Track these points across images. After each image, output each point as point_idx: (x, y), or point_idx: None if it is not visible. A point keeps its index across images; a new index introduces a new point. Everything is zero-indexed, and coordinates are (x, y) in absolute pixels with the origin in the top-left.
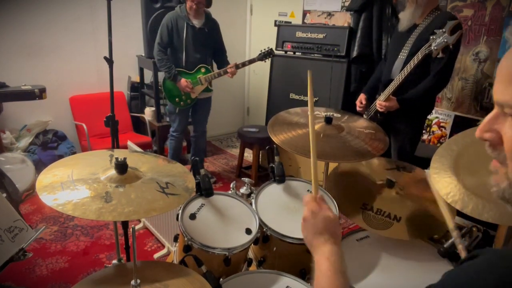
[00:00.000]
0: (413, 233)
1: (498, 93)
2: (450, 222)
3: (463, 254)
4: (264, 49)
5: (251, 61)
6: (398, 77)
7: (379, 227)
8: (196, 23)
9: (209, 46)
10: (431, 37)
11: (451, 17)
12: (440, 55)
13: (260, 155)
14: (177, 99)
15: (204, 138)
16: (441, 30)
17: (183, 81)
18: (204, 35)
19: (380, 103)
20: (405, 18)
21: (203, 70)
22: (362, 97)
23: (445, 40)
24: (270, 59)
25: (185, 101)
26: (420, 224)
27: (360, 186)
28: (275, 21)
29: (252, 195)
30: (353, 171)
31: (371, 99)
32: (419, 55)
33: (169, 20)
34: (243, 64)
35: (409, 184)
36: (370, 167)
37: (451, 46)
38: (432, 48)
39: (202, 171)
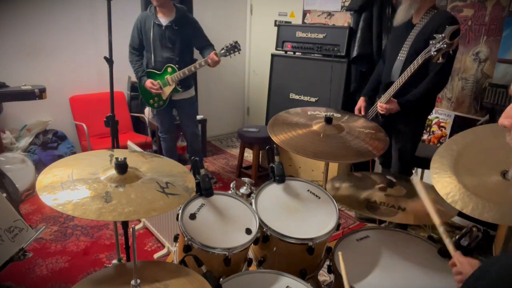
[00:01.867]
0: (418, 219)
1: None
2: (436, 219)
3: (450, 247)
4: (229, 44)
5: (216, 55)
6: (399, 80)
7: (385, 215)
8: (163, 21)
9: (179, 44)
10: (431, 42)
11: (449, 17)
12: (440, 60)
13: (260, 155)
14: (151, 100)
15: (197, 141)
16: (440, 36)
17: (148, 82)
18: (173, 33)
19: (381, 105)
20: (400, 12)
21: (169, 70)
22: (361, 104)
23: (445, 45)
24: (238, 52)
25: (158, 103)
26: (422, 212)
27: (361, 189)
28: (275, 21)
29: (252, 195)
30: (354, 177)
31: (371, 101)
32: (419, 60)
33: (138, 21)
34: (217, 55)
35: (409, 185)
36: (369, 177)
37: (451, 52)
38: (432, 53)
39: (202, 171)
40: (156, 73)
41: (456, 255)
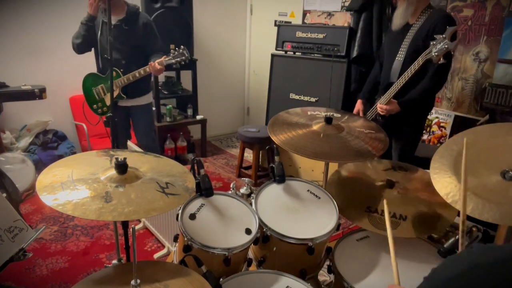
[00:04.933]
0: (420, 230)
1: None
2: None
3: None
4: (176, 50)
5: (159, 64)
6: (399, 81)
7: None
8: (113, 19)
9: (128, 45)
10: (431, 43)
11: (445, 15)
12: (442, 61)
13: (260, 155)
14: (94, 105)
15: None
16: (441, 36)
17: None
18: (122, 33)
19: (381, 106)
20: (397, 16)
21: (114, 74)
22: (359, 107)
23: (446, 46)
24: (184, 62)
25: (102, 109)
26: (425, 221)
27: (361, 189)
28: (275, 21)
29: (252, 195)
30: (352, 174)
31: (369, 102)
32: (419, 61)
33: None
34: (160, 63)
35: (408, 183)
36: (368, 169)
37: (452, 52)
38: (433, 54)
39: (202, 171)
40: (100, 76)
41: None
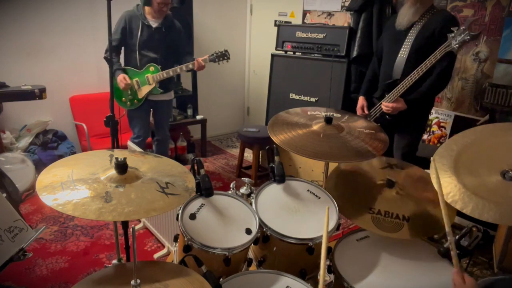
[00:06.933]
0: (423, 232)
1: None
2: (448, 225)
3: (454, 260)
4: (219, 51)
5: (203, 61)
6: (410, 78)
7: (391, 230)
8: (152, 22)
9: (165, 45)
10: (450, 35)
11: (452, 17)
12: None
13: (260, 155)
14: (123, 98)
15: (166, 144)
16: (461, 28)
17: (120, 76)
18: (161, 34)
19: (386, 104)
20: (405, 16)
21: (151, 69)
22: (363, 103)
23: (468, 37)
24: (226, 61)
25: (131, 101)
26: (426, 222)
27: (361, 187)
28: (275, 21)
29: (252, 195)
30: (351, 172)
31: (369, 101)
32: (437, 55)
33: (123, 19)
34: (204, 60)
35: (407, 183)
36: (367, 167)
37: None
38: (453, 46)
39: (202, 171)
40: (135, 71)
41: (454, 272)
